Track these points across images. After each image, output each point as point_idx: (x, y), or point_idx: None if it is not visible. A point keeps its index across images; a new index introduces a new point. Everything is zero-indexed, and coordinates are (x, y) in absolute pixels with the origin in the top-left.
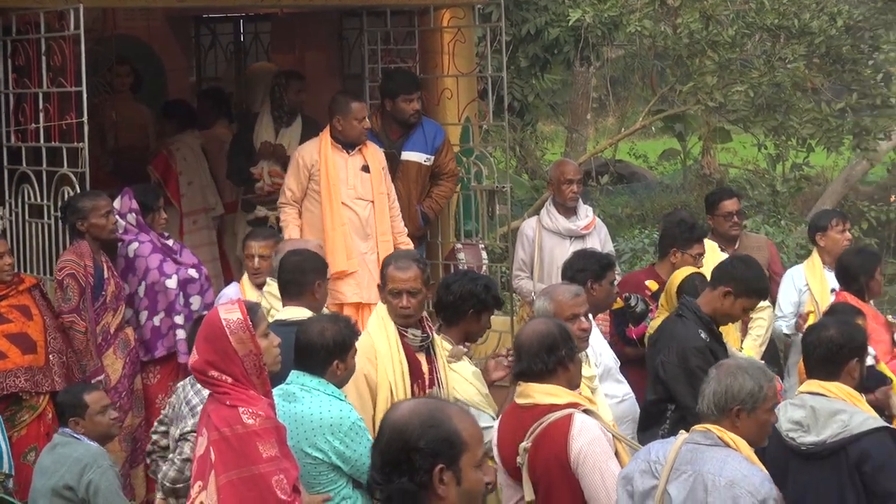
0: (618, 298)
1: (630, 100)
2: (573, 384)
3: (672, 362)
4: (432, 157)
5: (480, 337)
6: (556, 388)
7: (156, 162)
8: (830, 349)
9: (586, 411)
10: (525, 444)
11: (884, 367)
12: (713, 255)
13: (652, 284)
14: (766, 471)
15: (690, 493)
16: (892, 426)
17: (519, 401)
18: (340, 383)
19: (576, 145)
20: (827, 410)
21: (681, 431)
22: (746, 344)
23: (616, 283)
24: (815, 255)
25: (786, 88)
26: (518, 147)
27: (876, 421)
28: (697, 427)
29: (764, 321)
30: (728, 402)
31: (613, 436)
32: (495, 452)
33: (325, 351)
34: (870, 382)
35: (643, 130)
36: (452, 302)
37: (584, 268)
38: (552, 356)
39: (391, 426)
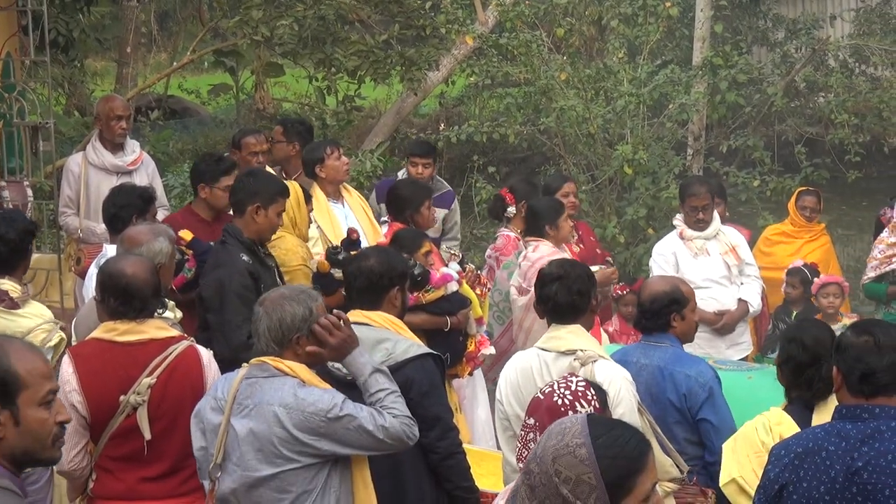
0: None
1: (181, 34)
2: None
3: (210, 285)
4: None
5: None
6: (162, 322)
7: None
8: (371, 279)
9: None
10: (150, 379)
11: (467, 289)
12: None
13: (186, 234)
14: (328, 385)
15: (255, 425)
16: (435, 352)
17: (124, 338)
18: None
19: (127, 81)
20: (372, 339)
21: (244, 364)
22: None
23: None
24: (316, 189)
25: (331, 21)
26: (66, 83)
27: (419, 348)
28: (254, 361)
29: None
30: (286, 333)
31: None
32: (78, 400)
33: None
34: (453, 307)
35: (196, 65)
36: None
37: (128, 203)
38: (158, 295)
39: None
